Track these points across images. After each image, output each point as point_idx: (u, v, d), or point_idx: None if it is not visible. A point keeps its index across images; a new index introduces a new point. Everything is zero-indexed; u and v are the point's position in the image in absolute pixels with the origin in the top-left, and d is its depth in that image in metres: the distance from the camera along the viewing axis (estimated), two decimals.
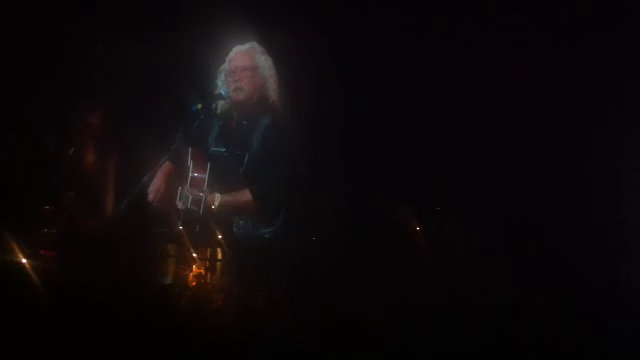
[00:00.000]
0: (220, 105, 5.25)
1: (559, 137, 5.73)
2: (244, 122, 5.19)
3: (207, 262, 4.78)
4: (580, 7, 5.73)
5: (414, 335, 4.70)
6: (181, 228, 4.92)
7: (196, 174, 5.08)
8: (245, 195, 5.09)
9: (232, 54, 5.25)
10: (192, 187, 5.05)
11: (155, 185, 5.16)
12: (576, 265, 5.39)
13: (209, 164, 5.09)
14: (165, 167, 5.21)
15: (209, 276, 4.77)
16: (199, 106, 5.03)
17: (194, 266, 4.75)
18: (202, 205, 4.96)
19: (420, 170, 5.89)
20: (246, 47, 5.25)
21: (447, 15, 5.91)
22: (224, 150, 5.19)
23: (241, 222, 5.13)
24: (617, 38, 5.66)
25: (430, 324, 4.76)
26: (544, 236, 5.60)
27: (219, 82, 5.25)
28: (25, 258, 4.54)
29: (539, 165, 5.74)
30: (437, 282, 5.17)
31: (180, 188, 5.11)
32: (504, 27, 5.85)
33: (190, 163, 5.12)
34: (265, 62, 5.22)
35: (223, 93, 5.14)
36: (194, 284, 4.74)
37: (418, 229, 5.62)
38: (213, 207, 5.02)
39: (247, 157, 5.13)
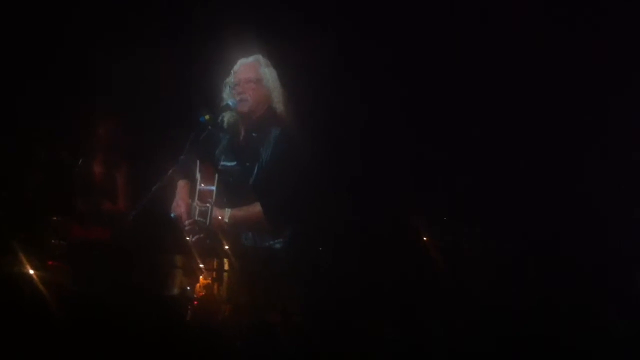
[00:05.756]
0: (227, 117, 5.26)
1: (573, 141, 5.76)
2: (253, 134, 5.19)
3: (215, 273, 4.79)
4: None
5: (427, 344, 4.70)
6: (188, 239, 4.92)
7: (204, 186, 5.08)
8: (255, 209, 5.07)
9: (236, 67, 5.27)
10: (200, 199, 5.04)
11: (178, 202, 5.18)
12: (592, 271, 5.39)
13: (216, 176, 5.09)
14: (182, 183, 5.24)
15: (216, 287, 4.77)
16: (207, 117, 5.05)
17: (202, 277, 4.76)
18: (209, 216, 4.96)
19: (432, 178, 5.90)
20: (250, 59, 5.27)
21: (454, 25, 5.94)
22: (233, 163, 5.19)
23: (249, 234, 5.12)
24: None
25: (443, 333, 4.77)
26: (559, 242, 5.61)
27: (225, 95, 5.26)
28: (34, 269, 4.55)
29: (552, 170, 5.76)
30: (451, 291, 5.17)
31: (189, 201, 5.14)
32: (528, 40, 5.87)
33: (198, 175, 5.12)
34: (269, 74, 5.23)
35: (230, 103, 5.14)
36: (202, 294, 4.75)
37: (430, 238, 5.61)
38: (222, 219, 5.03)
39: (256, 169, 5.12)
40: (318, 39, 5.94)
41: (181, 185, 5.25)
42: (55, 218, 5.19)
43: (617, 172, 5.65)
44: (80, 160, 5.66)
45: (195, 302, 4.74)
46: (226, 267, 4.80)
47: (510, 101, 5.87)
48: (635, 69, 5.67)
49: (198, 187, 5.07)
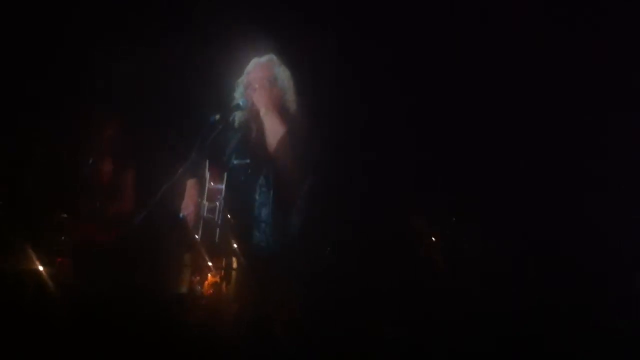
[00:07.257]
0: (238, 116, 5.24)
1: (573, 141, 5.76)
2: (265, 132, 5.16)
3: (223, 272, 4.78)
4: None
5: (427, 344, 4.71)
6: (197, 237, 4.91)
7: (213, 184, 5.06)
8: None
9: (250, 66, 5.24)
10: (209, 198, 5.02)
11: (187, 202, 5.15)
12: (592, 271, 5.40)
13: (225, 175, 5.06)
14: (191, 183, 5.20)
15: (224, 285, 4.76)
16: (217, 117, 5.03)
17: (210, 275, 4.75)
18: (217, 213, 4.95)
19: (432, 178, 5.90)
20: (264, 59, 5.24)
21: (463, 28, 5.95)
22: (246, 160, 5.15)
23: (256, 233, 5.10)
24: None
25: (443, 333, 4.78)
26: (559, 242, 5.62)
27: (237, 95, 5.24)
28: (42, 265, 4.55)
29: (552, 170, 5.77)
30: (451, 291, 5.18)
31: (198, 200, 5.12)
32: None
33: (208, 174, 5.10)
34: (283, 74, 5.21)
35: (241, 103, 5.12)
36: (210, 292, 4.74)
37: (429, 238, 5.62)
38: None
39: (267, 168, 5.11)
40: (318, 39, 5.94)
41: (190, 184, 5.22)
42: (65, 215, 5.19)
43: (617, 172, 5.66)
44: (90, 159, 5.64)
45: (204, 301, 4.73)
46: (234, 265, 4.80)
47: (511, 101, 5.88)
48: (635, 69, 5.69)
49: (207, 185, 5.05)
